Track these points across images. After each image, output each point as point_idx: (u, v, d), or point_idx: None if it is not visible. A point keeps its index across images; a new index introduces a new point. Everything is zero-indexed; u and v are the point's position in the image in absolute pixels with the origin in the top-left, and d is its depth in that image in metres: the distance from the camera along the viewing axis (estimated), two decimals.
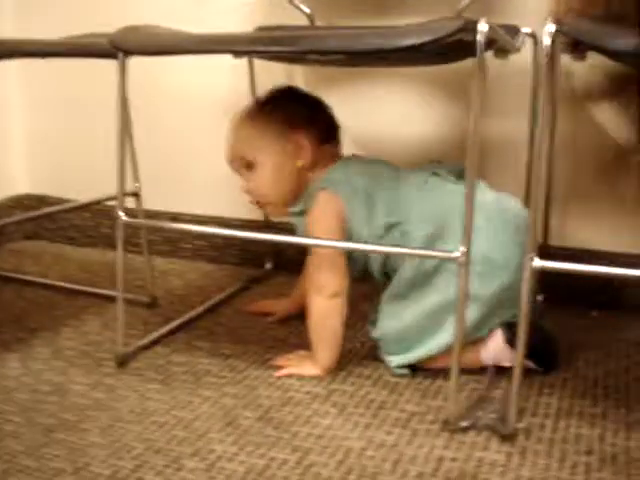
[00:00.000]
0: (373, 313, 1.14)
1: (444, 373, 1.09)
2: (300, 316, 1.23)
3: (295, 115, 1.16)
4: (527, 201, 1.29)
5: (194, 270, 1.61)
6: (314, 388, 1.06)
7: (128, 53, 1.03)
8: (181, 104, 1.62)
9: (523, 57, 1.20)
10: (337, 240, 1.09)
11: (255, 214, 1.56)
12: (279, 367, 1.12)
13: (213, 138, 1.61)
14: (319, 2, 1.39)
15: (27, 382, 1.08)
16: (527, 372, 1.07)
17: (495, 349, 1.08)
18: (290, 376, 1.09)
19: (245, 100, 1.47)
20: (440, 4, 1.32)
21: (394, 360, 1.10)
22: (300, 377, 1.09)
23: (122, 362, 1.13)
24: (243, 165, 1.17)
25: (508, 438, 0.92)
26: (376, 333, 1.12)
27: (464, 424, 0.95)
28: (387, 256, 1.11)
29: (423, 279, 1.07)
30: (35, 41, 1.22)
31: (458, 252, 0.90)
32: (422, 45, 0.81)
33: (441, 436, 0.93)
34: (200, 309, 1.35)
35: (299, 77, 1.52)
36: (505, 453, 0.89)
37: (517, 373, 0.90)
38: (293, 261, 1.56)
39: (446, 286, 1.03)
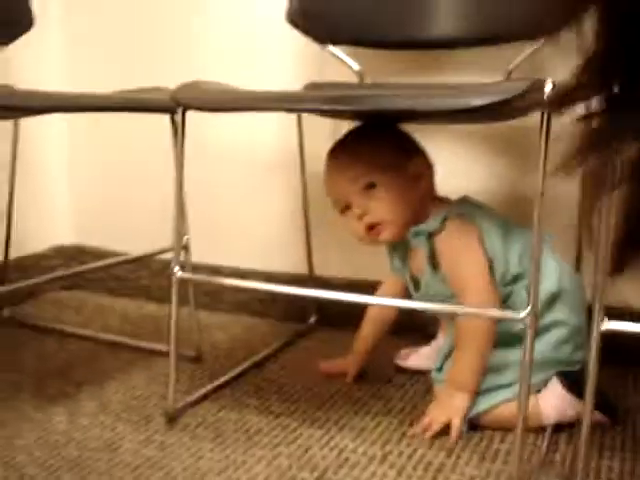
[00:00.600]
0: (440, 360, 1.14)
1: (500, 434, 1.07)
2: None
3: (405, 142, 1.16)
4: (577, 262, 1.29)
5: (237, 323, 1.60)
6: (370, 449, 1.03)
7: (187, 108, 1.04)
8: (228, 159, 1.63)
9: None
10: (486, 270, 1.07)
11: (300, 268, 1.55)
12: (424, 431, 1.08)
13: (259, 193, 1.64)
14: (368, 58, 1.40)
15: (75, 437, 1.06)
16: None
17: (556, 399, 1.06)
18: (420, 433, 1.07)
19: (292, 154, 1.49)
20: (489, 62, 1.34)
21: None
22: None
23: (172, 418, 1.11)
24: (360, 189, 1.11)
25: None
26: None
27: None
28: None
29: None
30: (86, 95, 1.23)
31: (525, 312, 0.89)
32: (495, 104, 0.80)
33: None
34: (246, 364, 1.34)
35: (345, 129, 1.52)
36: None
37: (585, 431, 0.87)
38: (336, 315, 1.55)
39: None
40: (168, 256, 1.51)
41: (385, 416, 1.14)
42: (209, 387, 1.23)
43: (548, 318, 1.07)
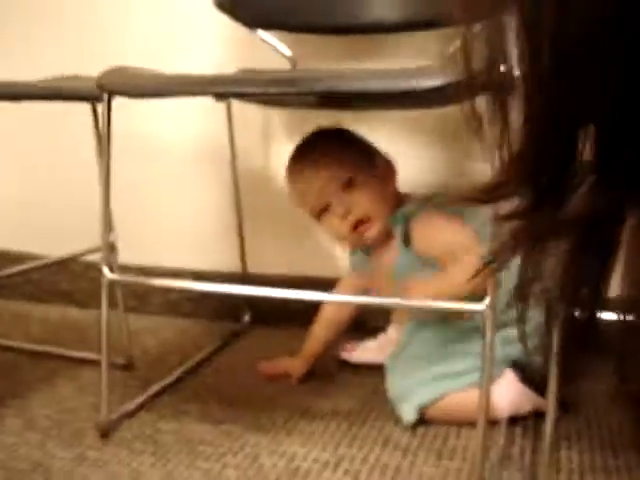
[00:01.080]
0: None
1: (455, 429, 1.03)
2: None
3: (365, 143, 1.14)
4: None
5: (168, 326, 1.51)
6: (321, 455, 0.98)
7: (113, 94, 0.96)
8: (154, 153, 1.54)
9: None
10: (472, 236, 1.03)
11: (233, 266, 1.48)
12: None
13: (188, 187, 1.55)
14: (300, 44, 1.35)
15: (1, 459, 0.97)
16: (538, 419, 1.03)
17: (510, 391, 1.03)
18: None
19: (222, 148, 1.42)
20: (427, 47, 1.30)
21: (407, 408, 1.04)
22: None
23: (106, 432, 1.03)
24: (339, 188, 1.08)
25: None
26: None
27: None
28: None
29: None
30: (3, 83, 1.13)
31: (483, 305, 0.85)
32: (446, 86, 0.76)
33: None
34: (180, 370, 1.26)
35: (276, 120, 1.47)
36: None
37: (550, 422, 0.84)
38: (271, 313, 1.49)
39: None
40: (90, 258, 1.43)
41: (333, 417, 1.09)
42: (144, 396, 1.14)
43: (512, 314, 1.04)
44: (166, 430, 1.04)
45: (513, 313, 1.03)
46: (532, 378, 1.04)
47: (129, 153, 1.52)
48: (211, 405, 1.13)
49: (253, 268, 1.49)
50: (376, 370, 1.22)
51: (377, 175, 1.11)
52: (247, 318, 1.51)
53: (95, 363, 1.27)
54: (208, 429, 1.05)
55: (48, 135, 1.60)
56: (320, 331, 1.24)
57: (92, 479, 0.92)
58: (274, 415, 1.09)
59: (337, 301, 1.26)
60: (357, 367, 1.26)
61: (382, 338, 1.29)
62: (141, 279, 1.00)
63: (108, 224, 0.99)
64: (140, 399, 1.13)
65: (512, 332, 1.06)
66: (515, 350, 1.05)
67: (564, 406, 1.05)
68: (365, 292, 1.22)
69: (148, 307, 1.59)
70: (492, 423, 1.03)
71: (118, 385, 1.19)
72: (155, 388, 1.18)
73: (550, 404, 0.83)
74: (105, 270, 0.98)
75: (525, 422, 1.04)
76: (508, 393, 1.03)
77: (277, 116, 1.47)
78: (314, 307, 1.45)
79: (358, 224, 1.09)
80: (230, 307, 1.54)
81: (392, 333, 1.27)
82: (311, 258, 1.49)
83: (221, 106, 1.38)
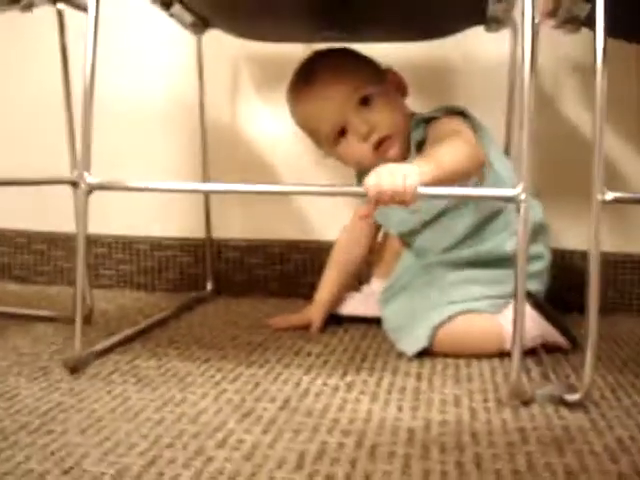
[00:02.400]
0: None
1: (464, 361, 0.96)
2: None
3: (374, 61, 1.07)
4: None
5: (122, 297, 1.38)
6: (329, 380, 0.87)
7: None
8: (116, 111, 1.42)
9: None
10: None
11: (196, 232, 1.38)
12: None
13: (150, 148, 1.43)
14: None
15: None
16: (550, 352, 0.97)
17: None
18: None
19: (189, 106, 1.33)
20: None
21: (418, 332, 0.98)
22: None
23: (75, 368, 0.89)
24: (357, 105, 1.00)
25: (579, 407, 0.78)
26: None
27: (528, 395, 0.80)
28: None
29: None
30: None
31: (516, 190, 0.79)
32: None
33: (507, 410, 0.78)
34: (147, 322, 1.13)
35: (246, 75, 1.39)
36: (587, 419, 0.75)
37: (592, 339, 0.77)
38: (236, 284, 1.39)
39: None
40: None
41: (330, 355, 0.99)
42: (112, 340, 1.01)
43: (531, 250, 0.98)
44: (146, 367, 0.92)
45: (535, 249, 1.00)
46: (542, 306, 0.99)
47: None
48: (192, 349, 1.01)
49: (218, 233, 1.40)
50: (362, 322, 1.14)
51: (390, 90, 1.05)
52: (209, 287, 1.39)
53: (46, 320, 1.14)
54: (194, 366, 0.93)
55: None
56: (332, 274, 1.16)
57: (68, 404, 0.78)
58: (266, 355, 0.98)
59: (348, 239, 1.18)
60: (341, 319, 1.17)
61: (366, 290, 1.20)
62: (121, 184, 0.88)
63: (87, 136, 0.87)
64: (109, 343, 1.00)
65: (537, 266, 1.03)
66: (533, 285, 1.00)
67: (574, 340, 1.00)
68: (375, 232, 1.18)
69: (99, 280, 1.45)
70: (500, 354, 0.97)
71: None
72: (124, 334, 1.05)
73: (591, 311, 0.76)
74: (85, 175, 0.86)
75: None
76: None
77: (245, 73, 1.39)
78: (279, 277, 1.36)
79: (381, 142, 1.01)
80: (191, 278, 1.42)
81: (376, 286, 1.19)
82: (282, 222, 1.41)
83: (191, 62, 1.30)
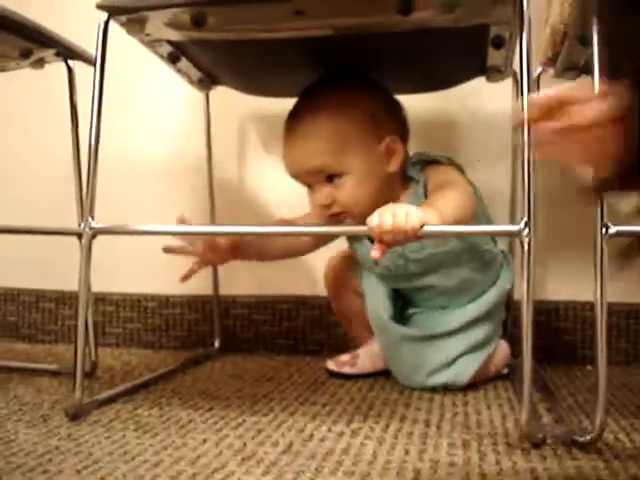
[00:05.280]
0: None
1: (473, 409, 0.93)
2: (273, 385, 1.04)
3: (378, 110, 1.02)
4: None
5: (128, 354, 1.36)
6: (333, 427, 0.85)
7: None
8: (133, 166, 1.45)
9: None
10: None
11: (204, 289, 1.37)
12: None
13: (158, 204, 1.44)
14: None
15: None
16: None
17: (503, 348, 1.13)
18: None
19: (199, 160, 1.35)
20: None
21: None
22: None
23: (75, 415, 0.87)
24: (323, 178, 1.00)
25: (592, 448, 0.75)
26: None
27: (539, 436, 0.77)
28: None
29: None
30: None
31: (520, 225, 0.78)
32: None
33: (517, 452, 0.75)
34: (151, 375, 1.11)
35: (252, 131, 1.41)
36: (601, 460, 0.72)
37: (602, 378, 0.75)
38: (242, 340, 1.38)
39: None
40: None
41: (336, 405, 0.96)
42: (117, 390, 1.00)
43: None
44: (148, 415, 0.90)
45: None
46: None
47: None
48: (195, 399, 0.99)
49: (225, 290, 1.39)
50: (365, 379, 1.12)
51: (376, 157, 1.01)
52: (217, 344, 1.38)
53: (47, 374, 1.13)
54: (197, 414, 0.91)
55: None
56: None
57: (66, 448, 0.76)
58: (270, 404, 0.96)
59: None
60: (344, 377, 1.14)
61: (366, 348, 1.17)
62: (125, 229, 0.89)
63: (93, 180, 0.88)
64: (111, 392, 0.98)
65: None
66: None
67: None
68: None
69: (106, 338, 1.44)
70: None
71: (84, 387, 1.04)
72: (128, 385, 1.03)
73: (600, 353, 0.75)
74: (89, 220, 0.86)
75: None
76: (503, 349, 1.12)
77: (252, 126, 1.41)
78: (287, 334, 1.35)
79: (339, 213, 1.02)
80: (198, 336, 1.41)
81: (373, 346, 1.16)
82: (290, 278, 1.40)
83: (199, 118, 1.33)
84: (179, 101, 1.41)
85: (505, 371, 1.12)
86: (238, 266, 1.37)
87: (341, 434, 0.82)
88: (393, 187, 1.04)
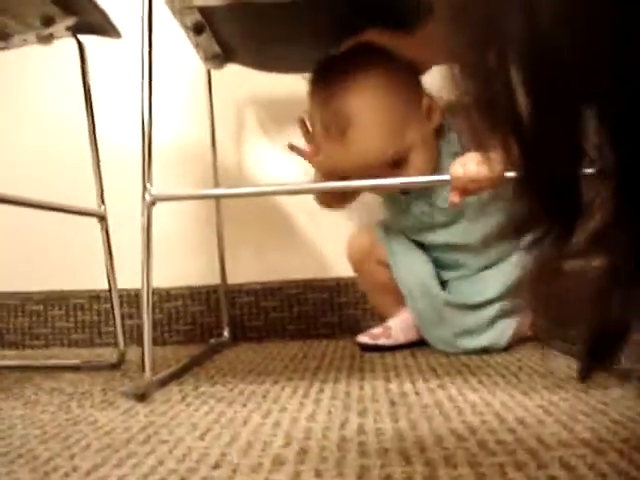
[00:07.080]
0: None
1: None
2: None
3: (406, 75, 1.00)
4: None
5: (133, 352, 1.30)
6: (405, 386, 0.83)
7: None
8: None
9: None
10: None
11: (209, 279, 1.33)
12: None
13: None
14: None
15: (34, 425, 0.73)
16: None
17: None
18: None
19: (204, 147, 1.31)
20: None
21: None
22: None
23: (143, 396, 0.82)
24: (389, 165, 0.99)
25: None
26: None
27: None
28: None
29: None
30: None
31: None
32: None
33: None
34: (185, 361, 1.06)
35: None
36: None
37: None
38: (252, 328, 1.35)
39: None
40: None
41: (402, 369, 0.95)
42: (166, 372, 0.95)
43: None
44: (211, 393, 0.85)
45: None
46: None
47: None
48: (247, 378, 0.95)
49: (229, 279, 1.35)
50: (400, 350, 1.12)
51: (421, 119, 1.01)
52: (226, 334, 1.33)
53: (74, 369, 1.07)
54: (259, 387, 0.87)
55: None
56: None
57: (144, 424, 0.71)
58: (328, 375, 0.92)
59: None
60: (378, 350, 1.13)
61: (397, 319, 1.17)
62: (183, 194, 0.85)
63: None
64: (166, 373, 0.94)
65: None
66: None
67: None
68: None
69: (102, 337, 1.37)
70: None
71: (123, 374, 0.99)
72: (173, 368, 0.98)
73: None
74: (148, 185, 0.82)
75: None
76: None
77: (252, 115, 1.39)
78: (296, 317, 1.33)
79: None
80: (203, 328, 1.36)
81: (404, 316, 1.15)
82: (297, 261, 1.38)
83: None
84: (181, 82, 1.38)
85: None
86: (241, 254, 1.35)
87: (433, 390, 0.80)
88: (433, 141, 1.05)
